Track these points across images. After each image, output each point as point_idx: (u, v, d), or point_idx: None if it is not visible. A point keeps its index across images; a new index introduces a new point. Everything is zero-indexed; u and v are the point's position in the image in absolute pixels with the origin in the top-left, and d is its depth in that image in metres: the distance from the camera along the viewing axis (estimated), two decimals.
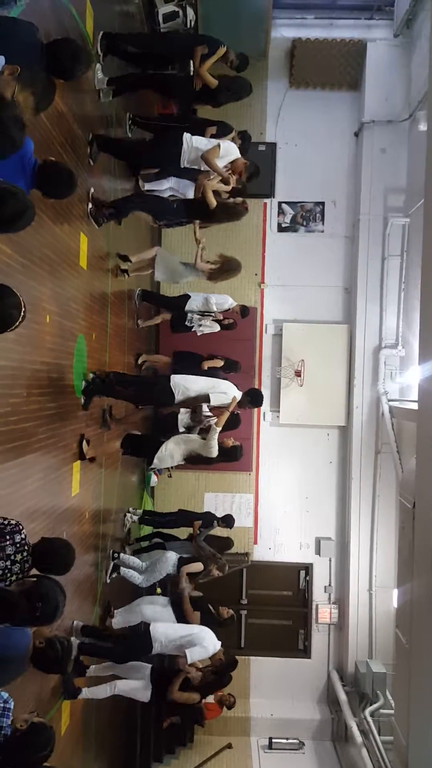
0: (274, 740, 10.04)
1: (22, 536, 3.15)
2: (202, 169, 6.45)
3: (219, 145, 6.30)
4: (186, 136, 6.29)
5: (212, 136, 6.51)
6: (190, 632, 6.49)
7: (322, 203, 10.84)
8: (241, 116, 10.44)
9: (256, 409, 9.95)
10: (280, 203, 10.84)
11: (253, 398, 7.47)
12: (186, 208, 6.74)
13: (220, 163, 6.36)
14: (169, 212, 6.78)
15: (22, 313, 2.88)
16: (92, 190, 5.75)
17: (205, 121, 6.81)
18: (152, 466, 8.51)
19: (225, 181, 6.49)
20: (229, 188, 6.58)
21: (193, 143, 6.28)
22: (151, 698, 6.40)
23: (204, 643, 6.40)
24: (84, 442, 5.65)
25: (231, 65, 6.65)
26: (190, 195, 6.63)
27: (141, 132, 7.21)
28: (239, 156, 6.57)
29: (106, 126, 6.29)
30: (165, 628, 6.46)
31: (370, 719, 9.13)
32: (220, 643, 6.55)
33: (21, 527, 3.18)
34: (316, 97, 10.71)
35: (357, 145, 10.67)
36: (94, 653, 6.18)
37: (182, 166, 6.41)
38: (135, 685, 6.41)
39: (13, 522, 3.17)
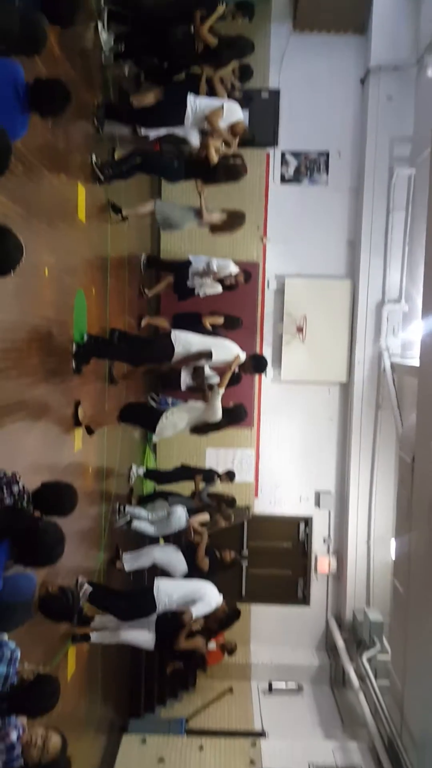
0: (273, 684, 10.36)
1: (20, 486, 3.18)
2: (206, 129, 6.42)
3: (222, 107, 6.28)
4: (190, 97, 6.24)
5: (214, 68, 6.47)
6: (193, 589, 6.64)
7: (327, 153, 10.61)
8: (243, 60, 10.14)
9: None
10: (283, 153, 10.60)
11: (256, 363, 7.33)
12: (186, 168, 6.68)
13: (222, 124, 6.35)
14: (169, 171, 6.75)
15: (23, 255, 2.86)
16: (94, 157, 5.68)
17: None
18: (154, 440, 8.57)
19: (227, 143, 6.49)
20: (230, 151, 6.58)
21: (198, 105, 6.25)
22: (156, 647, 6.58)
23: (206, 598, 6.56)
24: (79, 410, 5.60)
25: (234, 18, 6.52)
26: (192, 137, 6.51)
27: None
28: (242, 119, 6.55)
29: (107, 79, 6.19)
30: (167, 587, 6.59)
31: (366, 664, 9.41)
32: (221, 597, 6.70)
33: (18, 477, 3.21)
34: (320, 42, 10.37)
35: (363, 93, 10.38)
36: (102, 606, 6.33)
37: (184, 125, 6.39)
38: (140, 635, 6.57)
39: (9, 473, 3.20)
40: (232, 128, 6.48)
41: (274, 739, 8.71)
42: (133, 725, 8.59)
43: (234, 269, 8.41)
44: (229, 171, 6.74)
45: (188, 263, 8.42)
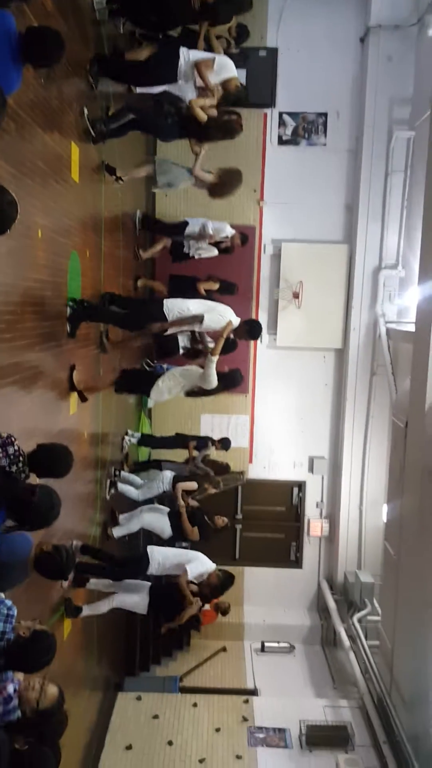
0: (266, 644, 10.57)
1: (15, 448, 3.19)
2: (197, 85, 6.22)
3: (214, 59, 6.08)
4: (183, 50, 6.07)
5: (209, 25, 6.30)
6: (187, 552, 6.77)
7: (325, 114, 10.42)
8: (241, 19, 9.86)
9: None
10: (281, 114, 10.41)
11: (251, 328, 7.18)
12: (180, 126, 6.50)
13: (214, 78, 6.13)
14: (164, 129, 6.60)
15: (18, 211, 2.81)
16: (86, 111, 5.51)
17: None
18: (149, 406, 8.56)
19: (210, 92, 6.22)
20: (214, 102, 6.30)
21: (191, 58, 6.06)
22: (149, 611, 6.67)
23: (201, 559, 6.67)
24: (74, 374, 5.57)
25: None
26: (187, 94, 6.36)
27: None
28: (235, 75, 6.33)
29: (101, 36, 6.02)
30: (161, 550, 6.72)
31: (357, 625, 9.60)
32: (214, 565, 6.78)
33: (13, 439, 3.21)
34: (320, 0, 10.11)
35: (362, 52, 10.15)
36: (94, 572, 6.39)
37: (178, 81, 6.19)
38: (133, 599, 6.66)
39: (3, 435, 3.20)
40: (225, 85, 6.27)
41: (266, 697, 8.91)
42: (128, 683, 8.77)
43: (230, 231, 8.31)
44: (224, 128, 6.51)
45: (185, 224, 8.28)
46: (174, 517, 7.36)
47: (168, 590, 6.70)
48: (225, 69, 6.22)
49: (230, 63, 6.30)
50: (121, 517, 7.46)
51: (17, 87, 3.33)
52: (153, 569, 6.65)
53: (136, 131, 6.71)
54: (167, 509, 7.59)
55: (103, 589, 6.58)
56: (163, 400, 7.28)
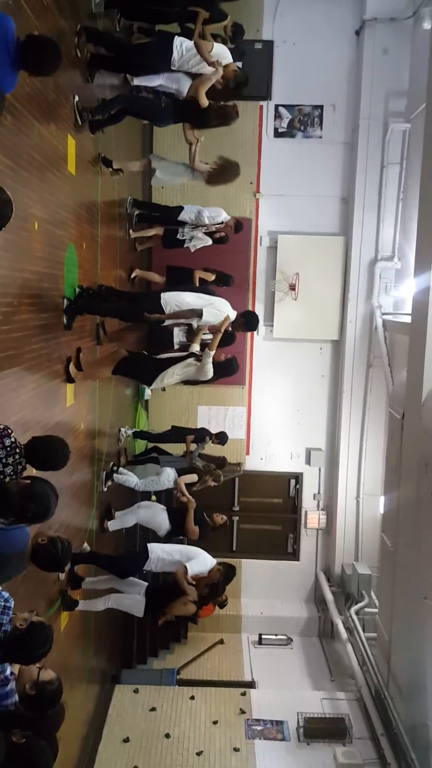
0: (263, 636, 10.59)
1: (12, 439, 3.18)
2: (193, 71, 6.22)
3: (213, 44, 6.09)
4: (177, 40, 6.05)
5: (205, 22, 6.25)
6: (188, 549, 6.75)
7: (321, 107, 10.40)
8: (236, 11, 9.75)
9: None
10: (276, 106, 10.39)
11: (247, 320, 7.19)
12: (175, 110, 6.46)
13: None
14: (158, 113, 6.53)
15: (12, 211, 2.82)
16: (76, 98, 5.38)
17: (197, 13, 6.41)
18: (145, 398, 8.58)
19: (213, 67, 6.16)
20: (219, 75, 6.23)
21: (185, 47, 6.05)
22: (146, 613, 6.66)
23: (201, 558, 6.65)
24: (71, 365, 5.56)
25: None
26: (184, 87, 6.33)
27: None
28: (231, 61, 6.31)
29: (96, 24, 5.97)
30: (162, 546, 6.72)
31: (354, 617, 9.62)
32: (214, 561, 6.77)
33: (10, 431, 3.20)
34: None
35: (358, 45, 10.13)
36: (89, 562, 6.40)
37: (173, 69, 6.20)
38: (130, 600, 6.65)
39: (0, 426, 3.20)
40: (223, 72, 6.24)
41: (263, 690, 8.93)
42: (125, 676, 8.79)
43: (225, 216, 8.23)
44: (220, 113, 6.49)
45: (180, 208, 8.17)
46: (174, 514, 7.35)
47: (165, 590, 6.70)
48: (221, 57, 6.20)
49: (226, 50, 6.29)
50: (117, 513, 7.45)
51: (12, 89, 3.38)
52: (152, 565, 6.63)
53: (130, 117, 6.58)
54: (164, 507, 7.59)
55: (98, 586, 6.58)
56: (160, 387, 7.35)
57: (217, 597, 6.93)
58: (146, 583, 6.76)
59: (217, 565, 6.72)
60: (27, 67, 3.34)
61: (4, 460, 3.12)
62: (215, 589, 6.73)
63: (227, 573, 6.76)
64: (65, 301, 5.30)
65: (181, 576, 6.44)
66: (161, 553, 6.58)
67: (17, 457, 3.17)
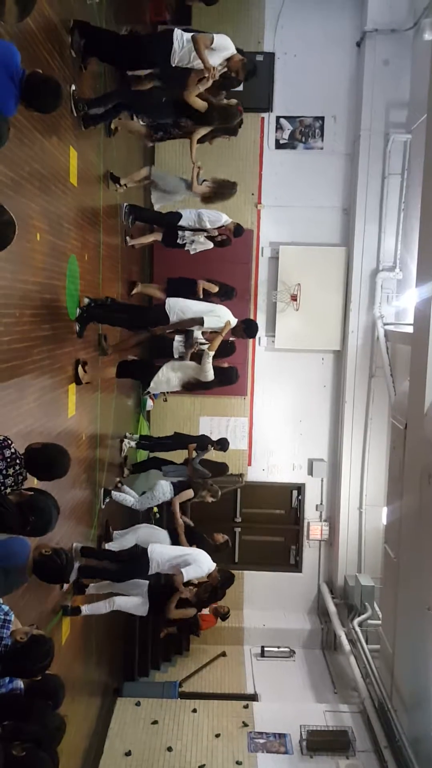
0: (266, 649, 10.52)
1: (12, 450, 3.18)
2: (195, 67, 5.89)
3: (213, 37, 5.80)
4: (177, 32, 5.78)
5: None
6: (186, 553, 6.72)
7: (322, 118, 10.45)
8: (238, 23, 9.94)
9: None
10: (278, 118, 10.45)
11: (247, 327, 7.31)
12: (175, 107, 6.25)
13: (213, 59, 5.84)
14: (157, 109, 6.38)
15: (15, 232, 2.84)
16: (73, 87, 5.29)
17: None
18: (148, 390, 8.53)
19: (207, 71, 5.84)
20: (209, 83, 5.97)
21: (185, 39, 5.76)
22: (148, 613, 6.66)
23: (199, 562, 6.62)
24: (80, 367, 5.63)
25: None
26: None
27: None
28: (235, 51, 6.04)
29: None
30: (161, 549, 6.70)
31: (358, 629, 9.56)
32: (214, 564, 6.75)
33: (10, 441, 3.20)
34: (316, 4, 10.13)
35: (359, 57, 10.19)
36: (94, 575, 6.38)
37: (173, 65, 5.88)
38: (133, 601, 6.64)
39: (0, 437, 3.19)
40: (228, 63, 6.02)
41: (266, 702, 8.87)
42: (127, 689, 8.73)
43: (226, 219, 8.18)
44: (222, 111, 6.29)
45: (177, 215, 8.13)
46: (174, 534, 7.34)
47: (166, 589, 6.70)
48: (224, 47, 5.95)
49: (228, 40, 6.00)
50: (116, 533, 7.40)
51: (13, 114, 3.43)
52: (152, 569, 6.64)
53: (126, 112, 6.46)
54: (165, 531, 7.55)
55: (101, 591, 6.55)
56: (163, 391, 7.36)
57: (216, 600, 6.97)
58: (147, 582, 6.75)
59: (216, 571, 6.72)
60: (27, 102, 3.42)
61: (4, 471, 3.12)
62: (215, 593, 6.75)
63: (225, 580, 6.76)
64: (79, 310, 5.39)
65: (179, 581, 6.46)
66: (159, 558, 6.59)
67: (18, 468, 3.17)
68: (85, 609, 6.19)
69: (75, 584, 6.10)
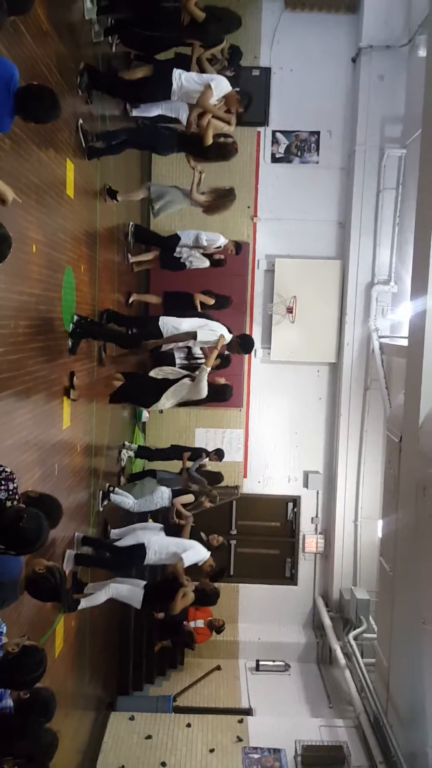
0: (261, 662, 10.45)
1: (15, 485, 3.17)
2: (192, 102, 6.30)
3: (210, 86, 6.11)
4: (176, 73, 6.11)
5: (201, 47, 6.38)
6: (183, 542, 6.94)
7: (318, 133, 10.54)
8: (235, 39, 9.92)
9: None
10: (274, 132, 10.53)
11: (243, 343, 7.40)
12: (178, 140, 6.58)
13: (213, 100, 6.21)
14: (162, 143, 6.63)
15: (10, 248, 2.85)
16: (81, 121, 5.55)
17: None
18: (142, 420, 8.69)
19: (226, 121, 6.41)
20: (231, 128, 6.49)
21: (183, 80, 6.12)
22: (148, 612, 6.70)
23: (196, 549, 6.83)
24: (74, 380, 5.61)
25: None
26: (183, 116, 6.43)
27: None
28: (230, 89, 6.39)
29: (96, 56, 6.06)
30: (159, 539, 6.88)
31: (353, 643, 9.51)
32: (209, 552, 6.95)
33: (14, 476, 3.20)
34: (312, 20, 10.26)
35: (354, 72, 10.29)
36: (91, 564, 6.46)
37: (172, 99, 6.32)
38: (129, 590, 6.69)
39: (8, 470, 3.19)
40: (226, 101, 6.35)
41: (261, 717, 8.80)
42: (121, 703, 8.65)
43: (223, 241, 8.34)
44: (220, 149, 6.63)
45: (177, 238, 8.30)
46: (171, 533, 7.35)
47: (163, 585, 6.79)
48: (221, 89, 6.27)
49: (224, 80, 6.35)
50: (113, 532, 7.44)
51: (7, 130, 3.47)
52: (150, 558, 6.73)
53: (132, 149, 6.77)
54: (160, 525, 7.56)
55: (99, 590, 6.56)
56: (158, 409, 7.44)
57: (221, 577, 7.26)
58: (144, 582, 6.82)
59: (210, 560, 6.97)
60: (25, 115, 3.42)
61: (3, 504, 3.11)
62: (216, 575, 7.02)
63: (217, 571, 7.06)
64: (72, 325, 5.44)
65: (179, 568, 6.54)
66: (157, 548, 6.71)
67: (15, 503, 3.17)
68: (83, 602, 6.23)
69: (73, 582, 6.18)
